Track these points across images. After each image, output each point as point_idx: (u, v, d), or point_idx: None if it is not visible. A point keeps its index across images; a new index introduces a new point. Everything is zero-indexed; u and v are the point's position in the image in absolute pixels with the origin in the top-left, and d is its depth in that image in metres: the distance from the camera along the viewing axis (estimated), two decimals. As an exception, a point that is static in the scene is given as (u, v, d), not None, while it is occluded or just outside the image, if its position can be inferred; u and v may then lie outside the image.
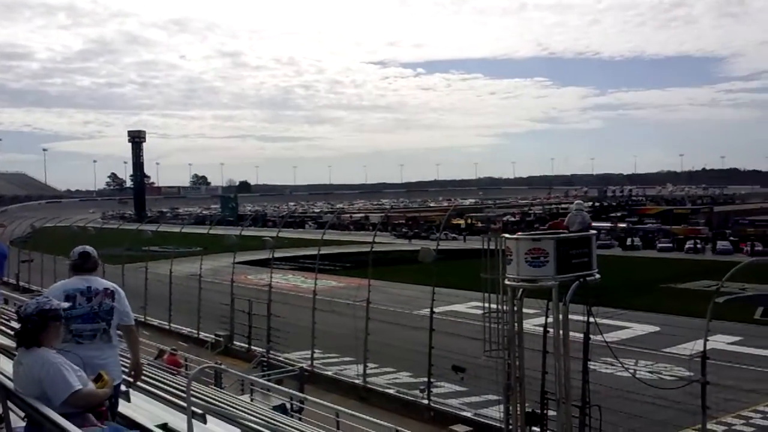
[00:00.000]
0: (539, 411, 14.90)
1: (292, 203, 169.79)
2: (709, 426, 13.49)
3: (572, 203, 17.33)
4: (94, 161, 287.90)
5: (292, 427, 9.29)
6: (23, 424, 4.15)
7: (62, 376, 3.90)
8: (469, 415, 16.82)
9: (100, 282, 4.93)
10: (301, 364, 19.42)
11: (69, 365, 4.00)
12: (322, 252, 26.29)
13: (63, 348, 4.36)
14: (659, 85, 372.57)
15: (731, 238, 63.50)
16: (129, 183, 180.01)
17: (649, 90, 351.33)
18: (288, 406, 13.49)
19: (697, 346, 13.48)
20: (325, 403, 13.79)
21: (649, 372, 20.49)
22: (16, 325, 7.04)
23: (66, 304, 4.35)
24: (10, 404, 4.12)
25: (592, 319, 14.67)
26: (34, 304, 4.08)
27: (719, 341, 22.55)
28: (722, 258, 48.89)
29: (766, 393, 18.93)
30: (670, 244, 62.64)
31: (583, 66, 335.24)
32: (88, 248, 5.12)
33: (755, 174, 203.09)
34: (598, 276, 15.24)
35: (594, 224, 18.70)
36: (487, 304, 15.38)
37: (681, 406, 14.64)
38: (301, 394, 15.26)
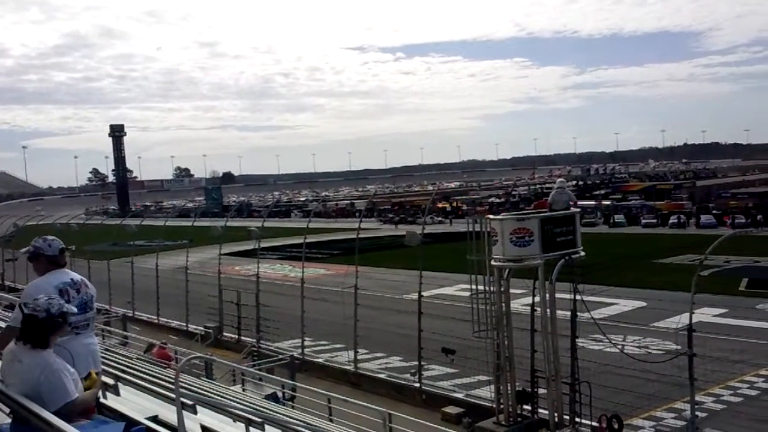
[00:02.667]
0: (529, 389, 15.05)
1: (276, 192, 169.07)
2: (697, 397, 13.67)
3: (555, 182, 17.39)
4: (75, 157, 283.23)
5: (284, 415, 9.29)
6: (7, 420, 4.12)
7: (62, 383, 3.87)
8: (460, 396, 16.93)
9: (73, 274, 4.95)
10: (291, 353, 19.43)
11: (67, 369, 3.97)
12: (308, 240, 26.21)
13: (58, 343, 4.33)
14: (638, 62, 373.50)
15: (714, 211, 64.12)
16: (111, 178, 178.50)
17: (629, 67, 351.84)
18: (280, 394, 13.50)
19: (683, 319, 13.61)
20: (316, 390, 13.86)
21: (637, 347, 20.69)
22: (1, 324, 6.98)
23: (74, 308, 4.33)
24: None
25: (578, 297, 14.81)
26: (57, 305, 4.04)
27: (705, 314, 22.83)
28: (706, 232, 49.35)
29: (752, 363, 19.21)
30: (654, 220, 63.13)
31: (562, 45, 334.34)
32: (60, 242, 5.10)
33: (736, 147, 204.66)
34: (583, 253, 15.38)
35: (578, 203, 18.80)
36: (474, 286, 15.47)
37: (669, 379, 14.84)
38: (292, 382, 15.30)
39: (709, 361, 15.89)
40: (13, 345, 4.06)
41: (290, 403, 13.31)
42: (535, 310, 15.08)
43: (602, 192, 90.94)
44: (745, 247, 37.32)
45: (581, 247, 15.35)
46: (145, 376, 8.78)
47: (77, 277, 4.94)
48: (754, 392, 17.26)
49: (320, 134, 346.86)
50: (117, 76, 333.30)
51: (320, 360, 21.16)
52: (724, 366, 18.25)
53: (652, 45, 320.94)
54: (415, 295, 19.05)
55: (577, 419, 14.13)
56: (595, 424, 13.70)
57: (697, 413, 13.18)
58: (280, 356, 18.48)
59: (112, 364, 9.17)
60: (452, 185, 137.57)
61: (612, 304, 27.26)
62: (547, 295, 14.49)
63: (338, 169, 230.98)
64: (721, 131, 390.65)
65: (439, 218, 72.74)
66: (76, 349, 4.49)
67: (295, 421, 8.64)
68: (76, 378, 4.05)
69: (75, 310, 4.31)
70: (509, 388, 14.94)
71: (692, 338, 13.05)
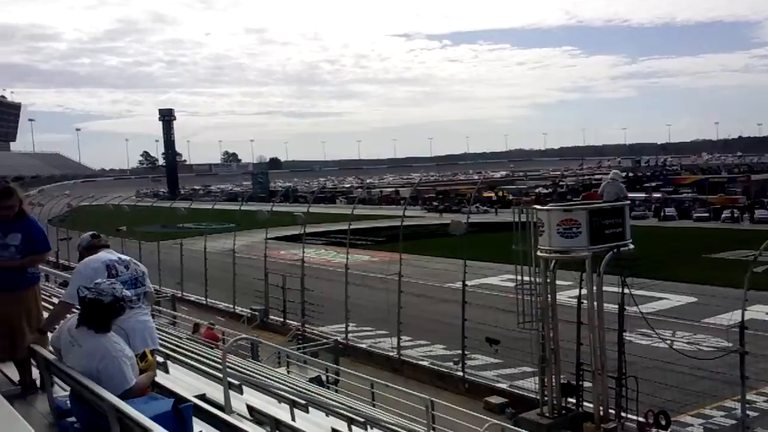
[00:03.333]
0: (575, 382, 14.86)
1: (322, 179, 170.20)
2: (748, 396, 13.31)
3: (606, 174, 17.09)
4: (126, 140, 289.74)
5: (328, 398, 9.38)
6: (63, 393, 4.23)
7: (120, 370, 3.90)
8: (504, 386, 16.83)
9: (118, 254, 5.04)
10: (335, 337, 19.60)
11: (125, 355, 3.99)
12: (353, 227, 26.36)
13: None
14: (691, 52, 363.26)
15: (769, 206, 62.08)
16: (161, 161, 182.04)
17: (681, 57, 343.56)
18: (323, 378, 13.64)
19: (736, 316, 13.26)
20: (360, 374, 13.93)
21: (687, 343, 20.18)
22: (55, 300, 7.19)
23: (127, 292, 4.40)
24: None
25: (626, 290, 14.53)
26: (120, 289, 4.09)
27: (758, 311, 22.14)
28: (760, 227, 47.82)
29: (807, 363, 18.58)
30: (707, 214, 61.42)
31: (613, 34, 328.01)
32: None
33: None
34: (632, 246, 15.05)
35: (628, 195, 18.40)
36: (519, 277, 15.31)
37: (719, 377, 14.47)
38: (336, 366, 15.43)
39: (762, 359, 15.47)
40: (71, 326, 4.08)
41: (334, 386, 13.44)
42: (582, 303, 14.86)
43: (653, 184, 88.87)
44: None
45: (630, 240, 15.03)
46: (193, 355, 8.97)
47: (124, 256, 5.03)
48: (808, 393, 16.68)
49: (365, 121, 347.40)
50: (167, 61, 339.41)
51: (364, 345, 21.28)
52: (778, 365, 17.73)
53: (706, 35, 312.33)
54: (458, 284, 18.96)
55: (623, 414, 13.91)
56: (641, 419, 13.47)
57: (748, 412, 12.84)
58: (325, 340, 18.67)
59: (162, 342, 9.39)
60: (498, 174, 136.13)
61: (661, 298, 26.63)
62: (595, 288, 14.26)
63: (383, 156, 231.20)
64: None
65: (485, 208, 72.17)
66: (131, 326, 4.56)
67: (338, 404, 8.72)
68: (133, 362, 4.08)
69: (129, 293, 4.37)
70: (554, 380, 14.78)
71: (744, 335, 12.69)
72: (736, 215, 59.01)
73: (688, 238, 48.04)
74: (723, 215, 59.67)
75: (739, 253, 35.15)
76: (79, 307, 4.12)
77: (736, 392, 12.95)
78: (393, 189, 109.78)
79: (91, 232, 5.35)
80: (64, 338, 4.09)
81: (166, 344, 9.30)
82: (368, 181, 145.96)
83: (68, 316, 4.51)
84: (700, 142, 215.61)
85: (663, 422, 13.08)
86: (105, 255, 4.86)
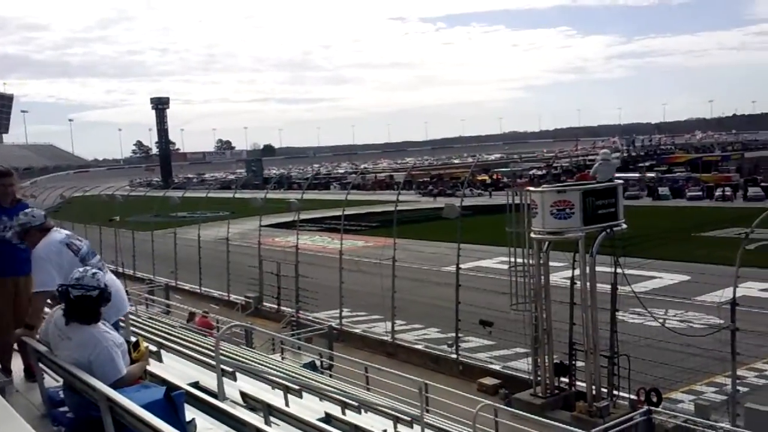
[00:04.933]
0: (567, 362, 15.00)
1: (316, 165, 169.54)
2: (739, 372, 13.48)
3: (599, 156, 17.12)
4: (120, 130, 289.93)
5: (322, 383, 9.46)
6: (55, 383, 4.26)
7: (111, 360, 3.90)
8: (497, 368, 16.98)
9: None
10: (329, 323, 19.69)
11: (115, 343, 3.98)
12: (347, 212, 26.36)
13: None
14: (686, 30, 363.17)
15: (762, 184, 62.22)
16: (155, 150, 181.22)
17: (676, 36, 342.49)
18: (318, 363, 13.72)
19: (727, 293, 13.39)
20: (354, 359, 14.03)
21: (679, 321, 20.34)
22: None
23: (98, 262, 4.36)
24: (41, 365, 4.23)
25: (619, 270, 14.64)
26: (101, 276, 4.03)
27: (751, 288, 22.29)
28: (753, 205, 47.99)
29: (798, 339, 18.76)
30: (700, 193, 61.62)
31: (608, 13, 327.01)
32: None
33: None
34: (625, 226, 15.14)
35: (622, 175, 18.50)
36: (513, 259, 15.40)
37: (711, 354, 14.57)
38: (330, 351, 15.52)
39: (753, 335, 15.62)
40: (58, 320, 4.03)
41: (328, 371, 13.53)
42: (575, 283, 14.97)
43: (647, 164, 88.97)
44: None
45: (623, 220, 15.11)
46: (186, 343, 9.02)
47: (68, 231, 4.93)
48: (799, 368, 16.88)
49: (360, 106, 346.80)
50: (159, 49, 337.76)
51: (358, 330, 21.39)
52: (769, 341, 17.92)
53: (702, 12, 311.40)
54: (453, 268, 19.04)
55: (615, 392, 14.06)
56: (633, 396, 13.62)
57: (738, 388, 12.99)
58: (319, 326, 18.76)
59: (155, 331, 9.44)
60: (492, 157, 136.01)
61: (654, 277, 26.82)
62: (588, 268, 14.35)
63: (377, 141, 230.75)
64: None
65: (479, 191, 72.16)
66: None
67: (332, 388, 8.79)
68: (124, 349, 4.09)
69: (102, 272, 4.24)
70: (547, 360, 14.92)
71: (735, 312, 12.82)
72: (728, 193, 59.21)
73: (681, 217, 48.20)
74: (716, 193, 59.86)
75: (731, 231, 35.32)
76: (57, 292, 4.04)
77: (726, 368, 13.09)
78: (387, 174, 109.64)
79: (44, 211, 5.09)
80: (53, 332, 4.07)
81: (160, 333, 9.35)
82: (362, 166, 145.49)
83: (49, 301, 4.49)
84: (694, 120, 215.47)
85: (654, 399, 13.24)
86: (56, 234, 4.70)
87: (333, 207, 47.03)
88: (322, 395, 8.24)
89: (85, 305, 3.93)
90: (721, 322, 14.13)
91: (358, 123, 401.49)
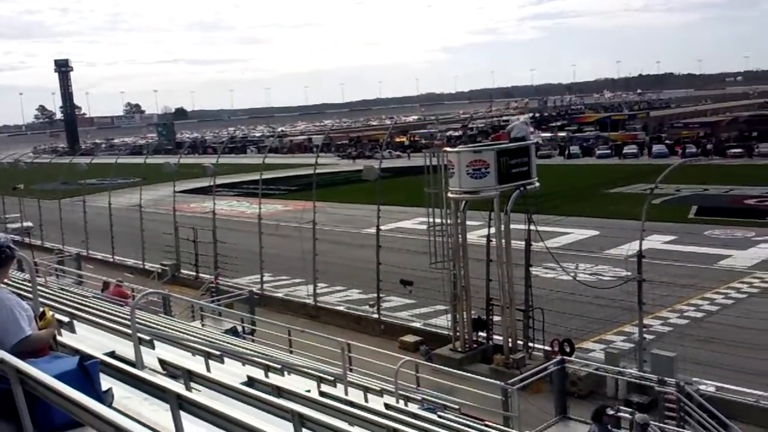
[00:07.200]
0: (485, 317, 15.46)
1: (231, 128, 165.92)
2: (645, 321, 14.20)
3: (514, 116, 17.51)
4: (20, 94, 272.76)
5: (244, 347, 9.38)
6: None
7: (15, 319, 3.71)
8: (418, 325, 17.31)
9: None
10: (250, 288, 19.46)
11: (20, 306, 3.81)
12: (265, 176, 25.97)
13: None
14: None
15: (666, 141, 65.19)
16: (59, 115, 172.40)
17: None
18: (239, 329, 13.59)
19: (634, 246, 14.03)
20: (276, 323, 13.98)
21: (589, 274, 21.32)
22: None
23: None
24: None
25: (532, 227, 15.11)
26: (3, 237, 3.84)
27: (656, 241, 23.46)
28: (658, 161, 50.34)
29: (699, 287, 19.97)
30: (609, 151, 63.94)
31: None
32: None
33: (689, 78, 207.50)
34: (538, 184, 15.59)
35: (530, 129, 18.94)
36: (431, 219, 15.62)
37: (620, 304, 15.34)
38: (251, 316, 15.39)
39: (658, 285, 16.52)
40: None
41: (250, 336, 13.43)
42: (491, 241, 15.34)
43: (558, 124, 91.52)
44: (695, 175, 38.28)
45: (536, 179, 15.53)
46: (101, 313, 8.72)
47: None
48: (699, 314, 18.01)
49: (274, 68, 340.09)
50: (59, 9, 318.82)
51: (280, 294, 21.28)
52: (673, 290, 19.01)
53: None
54: (373, 230, 19.14)
55: (531, 344, 14.61)
56: (547, 348, 14.19)
57: (645, 336, 13.71)
58: (239, 292, 18.50)
59: (66, 302, 9.07)
60: (410, 119, 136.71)
61: (566, 233, 27.84)
62: (503, 226, 14.73)
63: (294, 104, 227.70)
64: (675, 62, 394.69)
65: (397, 153, 72.61)
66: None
67: (254, 352, 8.74)
68: (30, 315, 3.94)
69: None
70: (465, 316, 15.31)
71: (642, 264, 13.46)
72: (635, 152, 61.76)
73: (591, 175, 50.04)
74: (624, 151, 62.31)
75: (638, 187, 37.02)
76: None
77: (634, 318, 13.79)
78: (305, 137, 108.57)
79: None
80: None
81: (72, 304, 9.00)
82: (280, 129, 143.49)
83: None
84: (603, 81, 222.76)
85: (567, 349, 13.84)
86: None
87: (250, 171, 46.30)
88: (244, 360, 8.17)
89: None
90: (629, 274, 14.83)
91: (273, 85, 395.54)
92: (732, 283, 20.52)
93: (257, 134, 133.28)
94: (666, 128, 76.59)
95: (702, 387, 11.77)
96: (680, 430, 9.97)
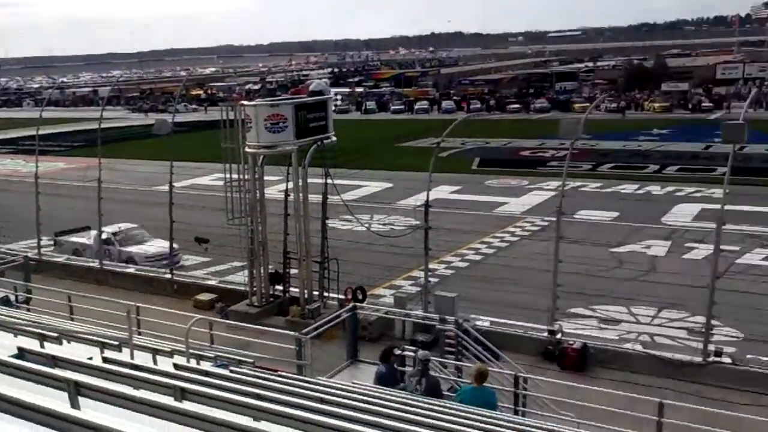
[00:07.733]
0: (282, 270, 15.59)
1: (4, 79, 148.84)
2: (431, 265, 15.19)
3: (313, 70, 17.53)
4: None
5: (15, 317, 8.66)
6: None
7: None
8: (213, 283, 17.00)
9: None
10: (26, 253, 17.80)
11: None
12: (44, 132, 23.55)
13: None
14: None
15: (455, 97, 69.28)
16: None
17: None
18: (12, 297, 12.44)
19: (422, 197, 14.82)
20: (56, 289, 13.00)
21: (383, 225, 22.29)
22: None
23: None
24: None
25: (329, 181, 15.38)
26: None
27: (443, 191, 25.07)
28: (447, 117, 53.33)
29: (480, 232, 21.73)
30: (402, 107, 66.63)
31: None
32: None
33: (477, 36, 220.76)
34: (334, 139, 15.84)
35: (332, 89, 19.17)
36: (228, 175, 15.29)
37: (410, 251, 16.25)
38: (26, 284, 14.19)
39: (443, 233, 17.74)
40: None
41: (25, 306, 12.38)
42: (289, 195, 15.40)
43: (356, 80, 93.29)
44: (479, 129, 41.22)
45: (333, 133, 15.76)
46: None
47: None
48: (478, 257, 19.63)
49: (50, 14, 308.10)
50: None
51: (60, 259, 19.68)
52: (456, 236, 20.54)
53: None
54: (166, 187, 18.28)
55: (326, 294, 15.02)
56: (341, 296, 14.68)
57: (430, 279, 14.67)
58: (12, 258, 16.85)
59: None
60: (207, 71, 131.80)
61: (361, 186, 28.77)
62: (300, 180, 14.83)
63: (78, 52, 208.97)
64: (465, 21, 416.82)
65: (193, 106, 69.89)
66: None
67: (27, 321, 8.12)
68: None
69: None
70: (262, 271, 15.33)
71: (429, 213, 14.30)
72: (426, 107, 64.96)
73: (385, 130, 51.89)
74: (416, 107, 65.26)
75: (428, 141, 39.10)
76: None
77: (422, 263, 14.65)
78: (90, 89, 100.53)
79: None
80: None
81: None
82: (61, 80, 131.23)
83: None
84: (399, 38, 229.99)
85: (360, 296, 14.43)
86: None
87: (27, 126, 42.06)
88: (16, 330, 7.57)
89: None
90: (418, 223, 15.70)
91: (53, 32, 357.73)
92: (507, 227, 22.56)
93: (35, 85, 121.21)
94: (454, 85, 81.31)
95: (478, 323, 12.88)
96: (458, 362, 10.86)
